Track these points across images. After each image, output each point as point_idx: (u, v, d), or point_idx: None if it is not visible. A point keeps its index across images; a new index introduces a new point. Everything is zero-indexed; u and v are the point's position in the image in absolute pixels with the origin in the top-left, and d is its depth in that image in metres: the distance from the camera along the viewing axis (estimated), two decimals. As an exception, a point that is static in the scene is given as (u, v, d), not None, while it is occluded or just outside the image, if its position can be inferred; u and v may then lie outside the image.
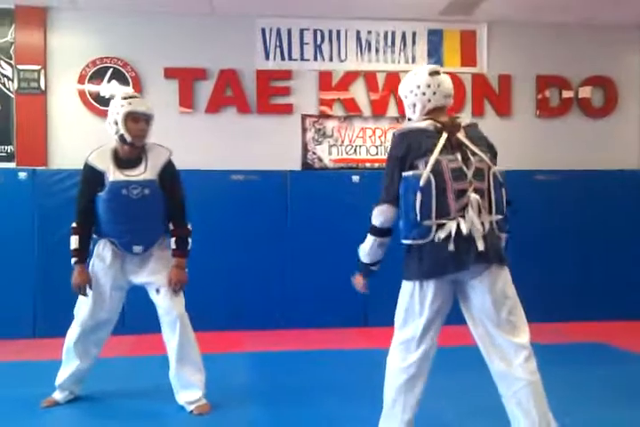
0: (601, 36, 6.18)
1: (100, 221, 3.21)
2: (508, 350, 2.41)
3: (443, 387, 3.34)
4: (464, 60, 6.10)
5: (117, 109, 3.14)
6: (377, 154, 5.99)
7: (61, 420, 3.24)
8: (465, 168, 2.41)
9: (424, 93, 2.53)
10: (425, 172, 2.37)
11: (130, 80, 5.70)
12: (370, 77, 5.99)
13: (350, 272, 5.21)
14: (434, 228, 2.37)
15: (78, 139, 5.51)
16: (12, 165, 5.54)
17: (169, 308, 3.21)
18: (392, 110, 6.01)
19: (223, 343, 4.83)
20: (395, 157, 2.48)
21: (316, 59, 5.97)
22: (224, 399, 3.37)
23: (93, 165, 3.19)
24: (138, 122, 3.15)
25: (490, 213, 2.44)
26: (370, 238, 2.55)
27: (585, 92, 6.21)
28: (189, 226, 3.31)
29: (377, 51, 6.03)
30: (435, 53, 6.08)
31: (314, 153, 5.94)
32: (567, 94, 6.19)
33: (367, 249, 2.57)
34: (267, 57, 5.89)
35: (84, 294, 3.22)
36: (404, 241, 2.47)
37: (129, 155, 3.21)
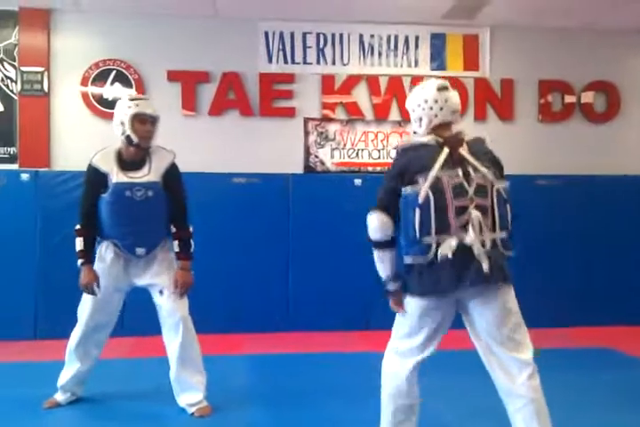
0: (604, 41, 6.19)
1: (102, 222, 3.22)
2: (512, 366, 2.41)
3: (442, 389, 3.35)
4: (466, 64, 6.11)
5: (125, 111, 3.15)
6: (379, 158, 5.99)
7: (62, 421, 3.25)
8: (466, 184, 2.39)
9: (431, 108, 2.52)
10: (423, 188, 2.35)
11: (133, 82, 5.72)
12: (372, 81, 6.00)
13: (352, 275, 5.20)
14: (434, 245, 2.35)
15: (81, 141, 5.53)
16: (14, 166, 5.55)
17: (173, 310, 3.21)
18: (394, 114, 6.01)
19: (224, 346, 4.83)
20: (392, 172, 2.49)
21: (318, 62, 5.98)
22: (225, 402, 3.37)
23: (97, 166, 3.20)
24: (145, 124, 3.17)
25: (493, 230, 2.41)
26: (374, 253, 2.53)
27: (587, 97, 6.21)
28: (191, 228, 3.32)
29: (379, 54, 6.04)
30: (437, 57, 6.09)
31: (316, 156, 5.95)
32: (570, 99, 6.19)
33: (377, 265, 2.54)
34: (269, 60, 5.90)
35: (94, 293, 3.21)
36: (405, 259, 2.46)
37: (133, 157, 3.22)
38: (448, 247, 2.34)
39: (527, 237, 4.73)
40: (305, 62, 5.95)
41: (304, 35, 5.94)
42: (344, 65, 6.00)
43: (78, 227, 3.24)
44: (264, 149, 5.82)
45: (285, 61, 5.92)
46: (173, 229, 3.29)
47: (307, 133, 5.94)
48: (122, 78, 5.71)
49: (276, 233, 5.49)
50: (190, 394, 3.26)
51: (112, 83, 5.71)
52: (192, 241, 3.32)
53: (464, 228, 2.35)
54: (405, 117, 5.85)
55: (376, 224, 2.45)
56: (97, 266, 3.27)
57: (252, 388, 3.77)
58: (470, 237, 2.33)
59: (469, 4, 5.54)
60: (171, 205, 3.26)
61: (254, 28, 5.85)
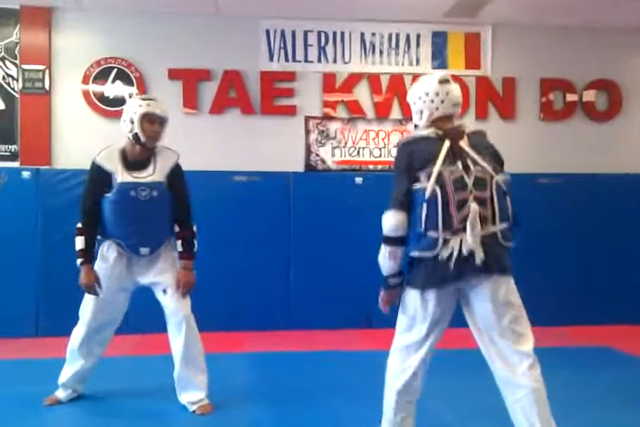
0: (606, 40, 6.18)
1: (106, 222, 3.21)
2: (512, 357, 2.41)
3: (443, 389, 3.35)
4: (468, 62, 6.10)
5: (135, 109, 3.15)
6: (380, 156, 5.99)
7: (64, 418, 3.25)
8: (466, 177, 2.40)
9: (432, 101, 2.52)
10: (429, 184, 2.37)
11: (134, 81, 5.72)
12: (373, 79, 6.00)
13: (353, 273, 5.21)
14: (440, 240, 2.36)
15: (82, 139, 5.53)
16: (15, 164, 5.55)
17: (176, 309, 3.21)
18: (395, 112, 6.00)
19: (226, 344, 4.83)
20: (400, 169, 2.49)
21: (319, 60, 5.97)
22: (226, 400, 3.37)
23: (101, 164, 3.18)
24: (153, 124, 3.17)
25: (493, 222, 2.42)
26: (382, 249, 2.50)
27: (589, 95, 6.20)
28: (194, 228, 3.33)
29: (381, 53, 6.03)
30: (439, 56, 6.08)
31: (317, 155, 5.95)
32: (571, 98, 6.18)
33: (380, 259, 2.52)
34: (271, 58, 5.90)
35: (95, 294, 3.21)
36: (411, 253, 2.46)
37: (138, 156, 3.21)
38: (449, 251, 2.36)
39: (528, 236, 4.71)
40: (306, 60, 5.94)
41: (305, 33, 5.93)
42: (345, 63, 6.00)
43: (79, 225, 3.22)
44: (265, 147, 5.82)
45: (287, 59, 5.92)
46: (177, 229, 3.29)
47: (308, 132, 5.94)
48: (123, 76, 5.71)
49: (277, 231, 5.49)
50: (192, 393, 3.26)
51: (113, 81, 5.71)
52: (195, 241, 3.32)
53: (465, 221, 2.36)
54: (407, 116, 5.85)
55: (393, 223, 2.43)
56: (99, 266, 3.26)
57: (253, 386, 3.77)
58: (468, 234, 2.34)
59: (471, 2, 5.53)
60: (174, 204, 3.26)
61: (255, 26, 5.85)
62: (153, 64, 5.74)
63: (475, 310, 2.47)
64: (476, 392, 3.27)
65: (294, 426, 3.11)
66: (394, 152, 5.91)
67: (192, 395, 3.26)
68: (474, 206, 2.37)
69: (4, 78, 5.62)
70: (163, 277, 3.25)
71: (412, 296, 2.49)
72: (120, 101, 5.50)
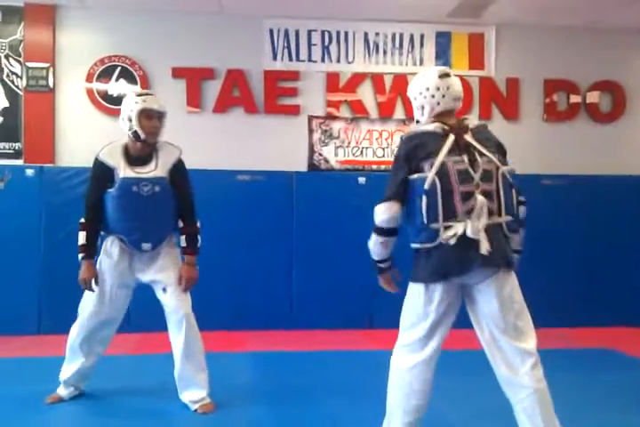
0: (610, 41, 6.17)
1: (108, 218, 3.21)
2: (515, 356, 2.40)
3: (447, 390, 3.34)
4: (472, 62, 6.09)
5: (131, 106, 3.15)
6: (383, 156, 5.99)
7: (66, 417, 3.25)
8: (472, 170, 2.40)
9: (433, 96, 2.52)
10: (430, 174, 2.36)
11: (138, 79, 5.72)
12: (377, 79, 6.00)
13: (355, 273, 5.20)
14: (441, 230, 2.36)
15: (86, 137, 5.53)
16: (19, 162, 5.56)
17: (176, 307, 3.21)
18: (399, 112, 6.00)
19: (228, 343, 4.84)
20: (399, 159, 2.48)
21: (323, 60, 5.97)
22: (228, 399, 3.37)
23: (104, 160, 3.19)
24: (151, 119, 3.17)
25: (499, 214, 2.42)
26: (373, 236, 2.53)
27: (593, 96, 6.19)
28: (198, 224, 3.33)
29: (384, 53, 6.03)
30: (442, 56, 6.08)
31: (320, 154, 5.95)
32: (575, 99, 6.17)
33: (372, 247, 2.55)
34: (274, 57, 5.90)
35: (91, 289, 3.22)
36: (413, 245, 2.47)
37: (140, 152, 3.22)
38: (453, 233, 2.35)
39: (531, 237, 4.70)
40: (310, 60, 5.94)
41: (309, 32, 5.93)
42: (349, 63, 5.99)
43: (82, 221, 3.24)
44: (268, 146, 5.82)
45: (290, 59, 5.92)
46: (181, 224, 3.29)
47: (311, 131, 5.94)
48: (127, 75, 5.72)
49: (280, 231, 5.49)
50: (193, 391, 3.26)
51: (117, 79, 5.71)
52: (199, 236, 3.32)
53: (470, 213, 2.36)
54: (410, 116, 5.85)
55: (387, 215, 2.43)
56: (103, 261, 3.27)
57: (255, 385, 3.77)
58: (474, 222, 2.34)
59: (475, 2, 5.53)
60: (178, 200, 3.26)
61: (259, 26, 5.85)
62: (157, 62, 5.74)
63: (479, 306, 2.46)
64: (481, 393, 3.26)
65: (296, 425, 3.11)
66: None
67: (193, 394, 3.26)
68: (480, 198, 2.37)
69: (8, 76, 5.63)
70: (163, 275, 3.25)
71: (415, 291, 2.48)
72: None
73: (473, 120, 2.60)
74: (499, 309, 2.40)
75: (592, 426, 3.05)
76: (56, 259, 5.08)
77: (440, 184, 2.35)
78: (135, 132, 3.15)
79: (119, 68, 5.72)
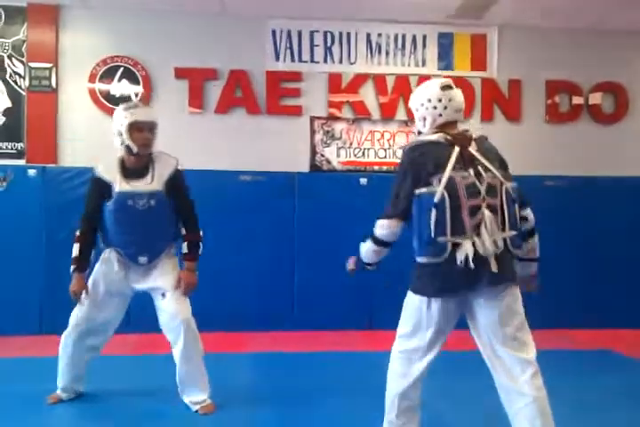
0: (612, 42, 6.16)
1: (107, 230, 3.24)
2: (514, 366, 2.40)
3: (447, 390, 3.36)
4: (474, 63, 6.09)
5: (121, 121, 3.14)
6: (385, 157, 5.99)
7: (66, 417, 3.26)
8: (478, 184, 2.39)
9: (435, 107, 2.52)
10: (439, 188, 2.35)
11: (140, 79, 5.73)
12: (379, 80, 5.99)
13: (356, 275, 5.18)
14: (449, 246, 2.34)
15: (88, 137, 5.54)
16: (22, 162, 5.57)
17: (175, 312, 3.19)
18: (401, 113, 6.00)
19: (228, 344, 4.84)
20: (404, 171, 2.47)
21: (325, 61, 5.97)
22: (228, 400, 3.38)
23: (101, 176, 3.22)
24: (142, 131, 3.16)
25: (503, 229, 2.41)
26: (369, 243, 2.55)
27: (595, 98, 6.18)
28: (201, 233, 3.33)
29: (387, 53, 6.03)
30: (445, 57, 6.07)
31: (322, 155, 5.95)
32: (577, 100, 6.16)
33: (363, 250, 2.58)
34: (277, 58, 5.90)
35: (80, 302, 3.25)
36: (418, 259, 2.44)
37: (135, 165, 3.22)
38: (464, 254, 2.33)
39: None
40: (312, 61, 5.94)
41: (311, 33, 5.93)
42: (351, 64, 5.99)
43: (77, 233, 3.27)
44: (270, 147, 5.82)
45: (293, 60, 5.92)
46: (184, 232, 3.30)
47: (313, 132, 5.94)
48: (129, 75, 5.72)
49: (282, 231, 5.49)
50: (194, 394, 3.27)
51: (119, 79, 5.72)
52: (201, 244, 3.32)
53: (478, 228, 2.35)
54: (412, 117, 5.84)
55: (388, 231, 2.46)
56: (99, 268, 3.29)
57: (255, 386, 3.78)
58: (483, 238, 2.33)
59: (477, 3, 5.52)
60: (178, 211, 3.27)
61: (262, 26, 5.85)
62: (159, 63, 5.75)
63: (479, 318, 2.46)
64: (481, 394, 3.25)
65: (296, 426, 3.11)
66: (399, 153, 5.93)
67: (194, 396, 3.27)
68: (487, 213, 2.35)
69: (10, 76, 5.64)
70: (162, 282, 3.24)
71: (417, 303, 2.48)
72: (126, 100, 5.49)
73: (474, 131, 2.59)
74: (498, 321, 2.40)
75: (591, 426, 3.05)
76: (58, 259, 5.05)
77: (449, 198, 2.34)
78: (127, 146, 3.15)
79: (122, 69, 5.72)
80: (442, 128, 2.53)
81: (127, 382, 3.75)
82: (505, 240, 2.40)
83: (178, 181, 3.27)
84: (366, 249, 2.57)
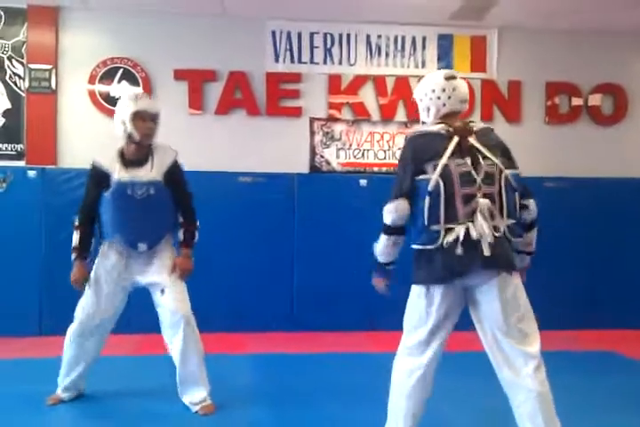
0: (612, 44, 6.16)
1: (105, 220, 3.24)
2: (517, 359, 2.39)
3: (449, 390, 3.34)
4: (474, 65, 6.09)
5: (125, 109, 3.17)
6: (385, 158, 5.99)
7: (66, 418, 3.26)
8: (474, 173, 2.40)
9: (439, 97, 2.54)
10: (433, 176, 2.37)
11: (140, 81, 5.72)
12: (379, 82, 6.00)
13: (356, 275, 5.19)
14: (442, 232, 2.36)
15: (88, 138, 5.54)
16: (21, 163, 5.56)
17: (175, 309, 3.20)
18: (400, 115, 6.00)
19: (228, 345, 4.83)
20: (405, 158, 2.50)
21: (325, 62, 5.97)
22: (228, 400, 3.37)
23: (99, 164, 3.24)
24: (145, 121, 3.19)
25: (501, 217, 2.41)
26: (383, 238, 2.52)
27: (595, 99, 6.19)
28: (197, 223, 3.37)
29: (387, 55, 6.03)
30: (444, 58, 6.08)
31: (322, 156, 5.95)
32: (577, 101, 6.17)
33: (381, 248, 2.54)
34: (276, 60, 5.90)
35: (82, 289, 3.26)
36: (413, 246, 2.47)
37: (135, 154, 3.24)
38: (454, 236, 2.35)
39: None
40: (312, 62, 5.95)
41: (311, 34, 5.94)
42: (351, 65, 6.00)
43: (76, 222, 3.29)
44: (270, 148, 5.82)
45: (292, 61, 5.92)
46: (181, 220, 3.33)
47: (312, 133, 5.94)
48: (129, 77, 5.72)
49: (281, 233, 5.49)
50: (193, 392, 3.26)
51: (119, 81, 5.72)
52: (197, 233, 3.36)
53: (472, 215, 2.35)
54: (411, 118, 5.86)
55: (397, 214, 2.44)
56: (100, 264, 3.29)
57: (255, 387, 3.77)
58: (478, 225, 2.33)
59: (477, 4, 5.53)
60: (176, 202, 3.29)
61: (262, 28, 5.86)
62: (159, 64, 5.75)
63: (481, 308, 2.46)
64: (481, 394, 3.27)
65: (297, 428, 3.12)
66: (398, 154, 5.93)
67: (193, 395, 3.26)
68: (482, 200, 2.37)
69: (10, 77, 5.64)
70: (161, 277, 3.25)
71: (416, 293, 2.49)
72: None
73: (478, 123, 2.61)
74: (501, 310, 2.39)
75: (592, 427, 3.06)
76: (57, 260, 5.05)
77: (443, 186, 2.36)
78: (130, 134, 3.17)
79: (121, 70, 5.72)
80: (445, 118, 2.54)
81: (127, 383, 3.74)
82: (502, 228, 2.40)
83: (177, 171, 3.30)
84: (380, 246, 2.54)
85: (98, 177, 3.22)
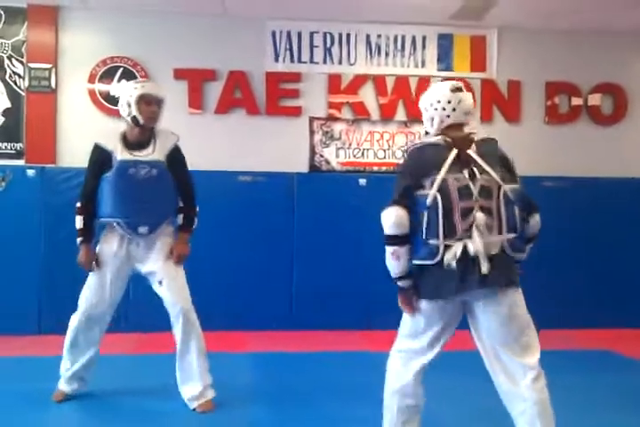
0: (611, 44, 6.16)
1: (105, 202, 3.23)
2: (516, 371, 2.39)
3: (445, 390, 3.35)
4: (474, 65, 6.09)
5: (131, 92, 3.20)
6: (384, 158, 5.99)
7: (65, 416, 3.26)
8: (472, 186, 2.37)
9: (444, 109, 2.52)
10: (432, 191, 2.35)
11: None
12: (379, 81, 6.00)
13: (354, 275, 5.18)
14: (441, 248, 2.33)
15: (87, 137, 5.35)
16: (21, 162, 5.57)
17: (173, 301, 3.24)
18: (400, 114, 5.99)
19: (227, 343, 4.83)
20: (404, 173, 2.48)
21: (325, 62, 5.97)
22: (227, 399, 3.37)
23: (102, 145, 3.27)
24: (150, 104, 3.21)
25: (499, 232, 2.38)
26: (386, 251, 2.44)
27: (594, 99, 6.19)
28: (197, 208, 3.40)
29: (386, 54, 6.03)
30: (444, 58, 6.08)
31: (321, 156, 5.95)
32: (576, 101, 6.17)
33: (388, 264, 2.47)
34: (276, 59, 5.90)
35: (91, 270, 3.27)
36: (414, 261, 2.42)
37: (138, 137, 3.26)
38: (452, 254, 2.32)
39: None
40: (312, 62, 5.95)
41: (311, 34, 5.94)
42: (351, 65, 6.00)
43: (79, 205, 3.29)
44: (269, 147, 5.82)
45: (292, 60, 5.92)
46: (181, 204, 3.36)
47: (312, 133, 5.94)
48: (129, 76, 5.70)
49: (281, 232, 5.49)
50: (191, 384, 3.26)
51: (119, 80, 5.72)
52: (196, 218, 3.40)
53: (470, 230, 2.33)
54: (411, 118, 5.85)
55: (393, 220, 2.39)
56: (102, 251, 3.30)
57: (254, 386, 3.78)
58: (474, 240, 2.31)
59: (477, 5, 5.53)
60: (177, 185, 3.32)
61: (262, 27, 5.86)
62: (159, 64, 5.75)
63: (480, 323, 2.44)
64: (479, 393, 3.25)
65: (295, 426, 3.12)
66: (398, 154, 5.95)
67: (191, 387, 3.26)
68: (479, 215, 2.33)
69: (10, 77, 5.64)
70: (158, 266, 3.27)
71: (417, 304, 2.48)
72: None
73: (480, 134, 2.57)
74: (499, 324, 2.38)
75: (591, 426, 3.05)
76: (56, 259, 5.09)
77: (441, 201, 2.34)
78: (134, 117, 3.19)
79: (121, 69, 5.73)
80: (449, 130, 2.52)
81: (125, 382, 3.74)
82: (501, 243, 2.37)
83: (178, 155, 3.34)
84: (386, 258, 2.45)
85: (101, 158, 3.24)
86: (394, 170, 5.48)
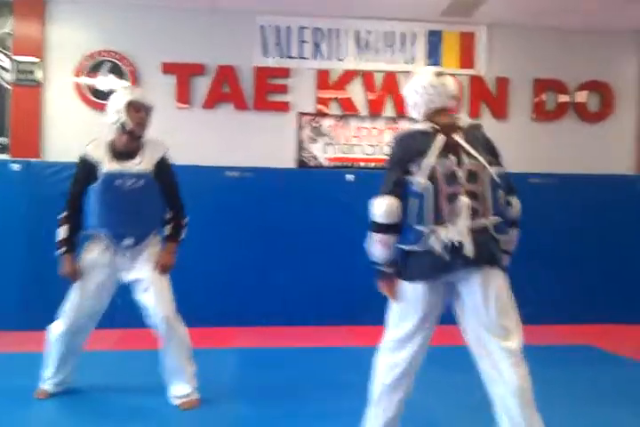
0: (599, 41, 6.20)
1: (91, 213, 3.21)
2: (499, 355, 2.40)
3: (433, 385, 3.37)
4: (462, 61, 6.11)
5: (120, 99, 3.19)
6: (372, 153, 5.99)
7: (49, 413, 3.23)
8: (458, 171, 2.41)
9: (428, 94, 2.55)
10: (419, 177, 2.38)
11: (127, 74, 5.69)
12: (367, 77, 5.99)
13: (342, 270, 5.18)
14: (426, 233, 2.37)
15: (73, 131, 5.50)
16: (5, 156, 5.52)
17: (155, 308, 3.19)
18: (389, 110, 6.00)
19: (214, 339, 4.83)
20: (392, 161, 2.51)
21: (314, 57, 5.96)
22: (213, 395, 3.37)
23: (89, 155, 3.22)
24: (139, 111, 3.20)
25: (485, 215, 2.42)
26: (369, 235, 2.48)
27: (581, 96, 6.23)
28: (186, 219, 3.37)
29: (376, 50, 6.03)
30: (433, 54, 6.08)
31: (309, 151, 5.94)
32: (563, 98, 6.20)
33: (369, 247, 2.51)
34: (265, 54, 5.88)
35: (76, 280, 3.23)
36: (400, 246, 2.46)
37: (127, 146, 3.22)
38: (437, 238, 2.36)
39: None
40: (301, 57, 5.93)
41: (300, 29, 5.92)
42: (340, 60, 5.99)
43: (64, 215, 3.25)
44: (257, 142, 5.80)
45: (281, 56, 5.90)
46: (170, 215, 3.32)
47: (300, 128, 5.93)
48: (116, 70, 5.69)
49: (269, 227, 5.48)
50: (175, 386, 3.26)
51: (106, 74, 5.68)
52: (184, 230, 3.36)
53: (455, 214, 2.36)
54: (399, 114, 5.86)
55: (384, 208, 2.40)
56: (85, 260, 3.26)
57: (240, 381, 3.77)
58: (460, 224, 2.35)
59: (467, 1, 5.54)
60: (165, 196, 3.28)
61: (251, 22, 5.83)
62: (147, 58, 5.71)
63: (464, 302, 2.48)
64: (466, 388, 3.27)
65: (282, 421, 3.12)
66: (386, 150, 5.94)
67: (176, 389, 3.25)
68: (464, 199, 2.37)
69: (-5, 70, 5.59)
70: (143, 274, 3.23)
71: (402, 289, 2.50)
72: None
73: (466, 119, 2.61)
74: (482, 302, 2.41)
75: (571, 419, 3.10)
76: (41, 254, 5.01)
77: (429, 187, 2.37)
78: (123, 123, 3.16)
79: (109, 64, 5.69)
80: (434, 114, 2.55)
81: (109, 378, 3.73)
82: (486, 226, 2.41)
83: (166, 166, 3.30)
84: (370, 244, 2.48)
85: (87, 169, 3.20)
86: (382, 166, 5.47)
